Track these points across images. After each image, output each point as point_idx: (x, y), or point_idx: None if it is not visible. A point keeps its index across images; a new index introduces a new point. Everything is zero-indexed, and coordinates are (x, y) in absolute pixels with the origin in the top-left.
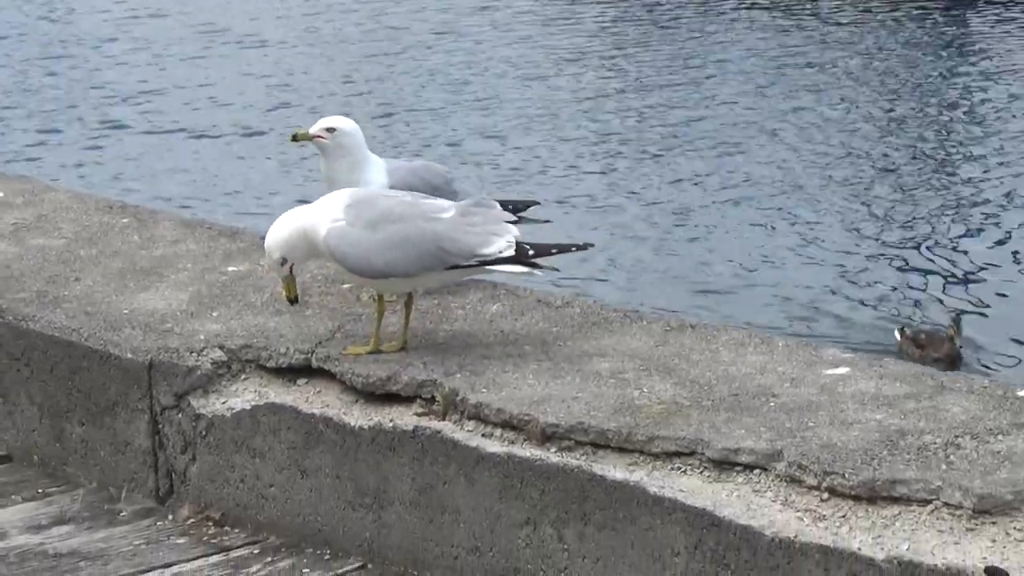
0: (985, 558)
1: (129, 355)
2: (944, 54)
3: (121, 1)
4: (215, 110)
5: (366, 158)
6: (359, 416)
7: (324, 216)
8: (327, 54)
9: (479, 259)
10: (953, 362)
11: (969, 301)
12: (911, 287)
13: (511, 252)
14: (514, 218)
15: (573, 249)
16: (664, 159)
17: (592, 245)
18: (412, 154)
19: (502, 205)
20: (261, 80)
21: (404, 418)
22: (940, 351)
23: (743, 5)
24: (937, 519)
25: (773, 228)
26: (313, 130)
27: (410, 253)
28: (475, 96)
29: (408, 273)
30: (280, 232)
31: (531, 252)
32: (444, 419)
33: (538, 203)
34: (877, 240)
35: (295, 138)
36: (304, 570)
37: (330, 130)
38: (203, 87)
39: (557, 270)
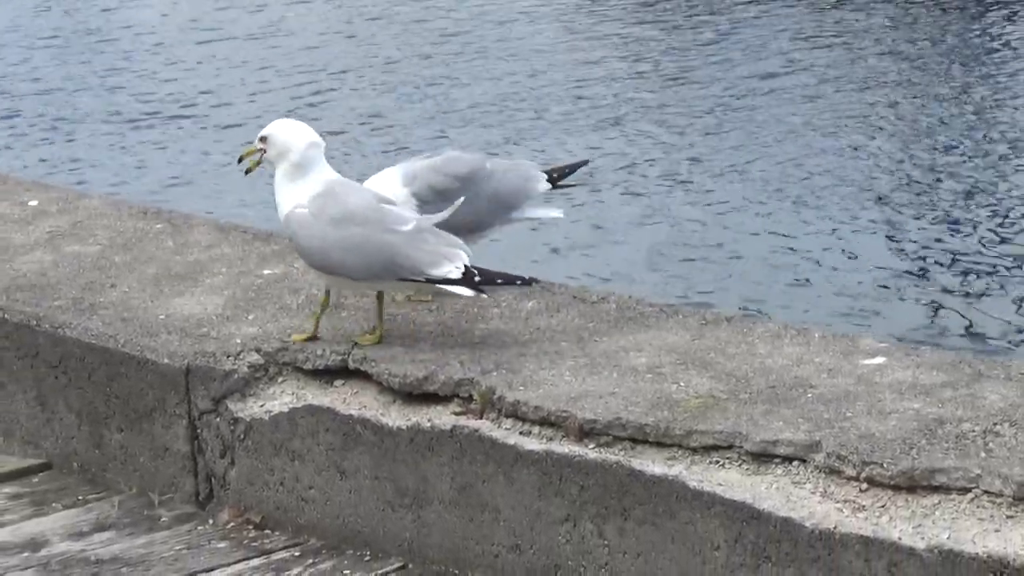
0: None
1: (166, 360)
2: (1002, 45)
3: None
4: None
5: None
6: (397, 416)
7: (291, 199)
8: (358, 47)
9: (427, 278)
10: None
11: (1007, 290)
12: (942, 274)
13: (458, 275)
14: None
15: (518, 283)
16: (696, 151)
17: (537, 281)
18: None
19: (547, 174)
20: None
21: (442, 417)
22: None
23: None
24: (977, 507)
25: (807, 220)
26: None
27: (364, 259)
28: (503, 80)
29: (358, 276)
30: (285, 131)
31: (477, 278)
32: (482, 418)
33: (587, 161)
34: (914, 231)
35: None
36: (345, 571)
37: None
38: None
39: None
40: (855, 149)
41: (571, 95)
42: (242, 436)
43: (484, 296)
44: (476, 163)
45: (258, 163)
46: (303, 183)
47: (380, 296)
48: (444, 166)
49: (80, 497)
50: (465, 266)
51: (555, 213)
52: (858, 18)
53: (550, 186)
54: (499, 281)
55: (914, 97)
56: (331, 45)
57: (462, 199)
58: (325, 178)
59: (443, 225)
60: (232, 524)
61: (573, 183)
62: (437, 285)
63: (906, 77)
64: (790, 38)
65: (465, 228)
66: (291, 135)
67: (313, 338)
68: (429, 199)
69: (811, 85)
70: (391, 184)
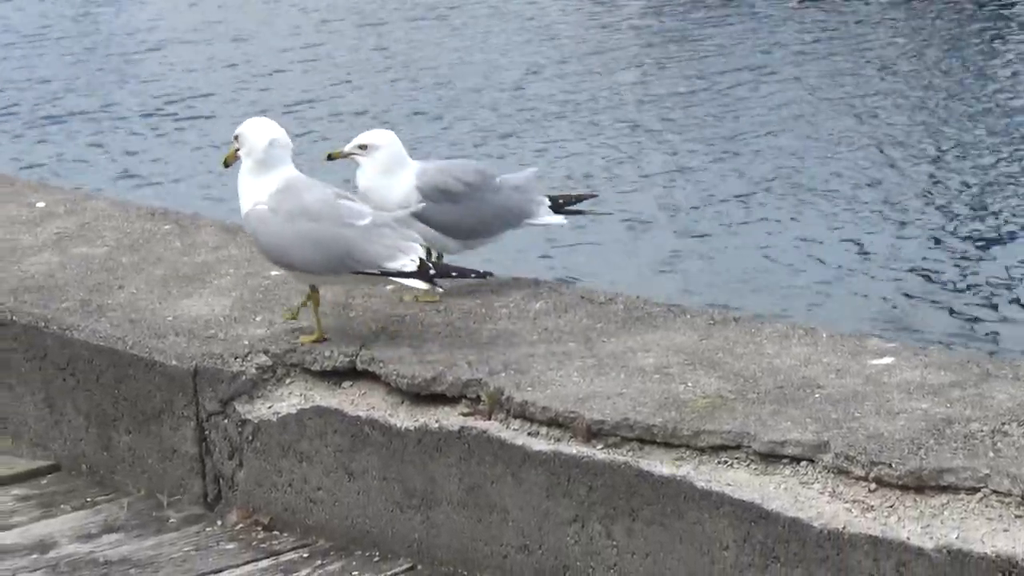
0: None
1: (174, 362)
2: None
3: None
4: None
5: (400, 165)
6: (405, 417)
7: (252, 195)
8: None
9: (382, 270)
10: None
11: (1016, 290)
12: (949, 273)
13: (413, 268)
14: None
15: (472, 276)
16: (700, 149)
17: (491, 274)
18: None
19: (553, 200)
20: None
21: (450, 418)
22: None
23: None
24: (986, 507)
25: (814, 220)
26: (348, 148)
27: (320, 253)
28: (512, 85)
29: (315, 271)
30: (253, 129)
31: (432, 272)
32: (490, 418)
33: (595, 195)
34: (921, 230)
35: (330, 157)
36: (354, 573)
37: (363, 147)
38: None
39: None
40: (861, 148)
41: (575, 93)
42: (250, 438)
43: (439, 289)
44: (486, 174)
45: (234, 156)
46: (265, 180)
47: (315, 295)
48: (454, 169)
49: (88, 499)
50: (420, 259)
51: (559, 221)
52: (871, 16)
53: (551, 213)
54: (453, 274)
55: (923, 95)
56: (334, 43)
57: (422, 204)
58: (286, 175)
59: (444, 227)
60: (241, 525)
61: (578, 210)
62: (392, 278)
63: (914, 74)
64: (798, 32)
65: (466, 233)
66: (257, 132)
67: (321, 339)
68: (433, 197)
69: (814, 81)
70: (407, 176)
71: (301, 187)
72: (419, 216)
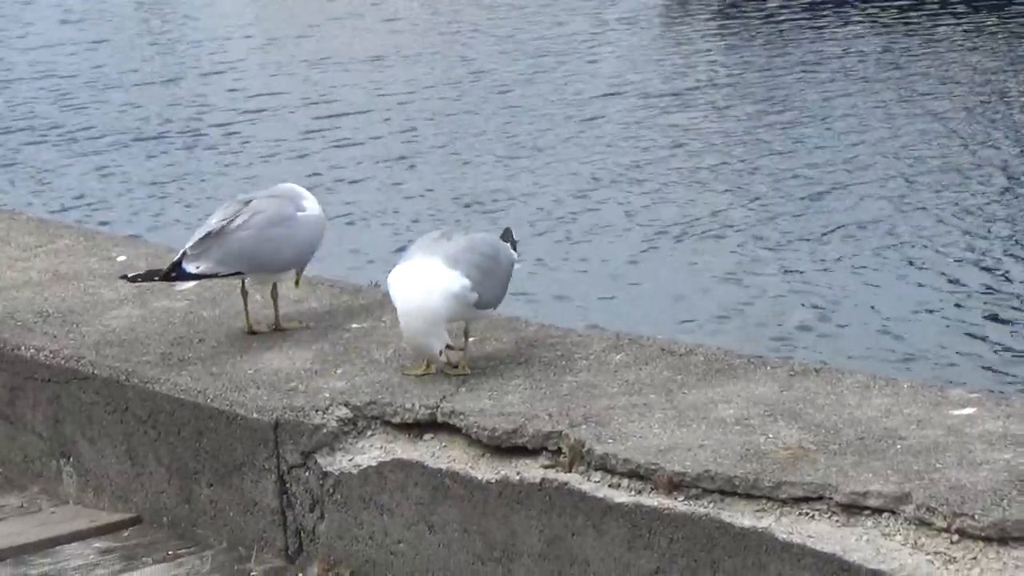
0: None
1: (255, 415)
2: None
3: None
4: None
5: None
6: (486, 470)
7: None
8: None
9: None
10: None
11: None
12: None
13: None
14: None
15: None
16: (774, 196)
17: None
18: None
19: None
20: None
21: (531, 470)
22: None
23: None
24: None
25: (892, 268)
26: (441, 358)
27: None
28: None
29: None
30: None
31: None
32: (571, 470)
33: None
34: (996, 272)
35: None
36: None
37: (449, 347)
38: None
39: None
40: (941, 193)
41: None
42: (331, 490)
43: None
44: (497, 242)
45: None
46: None
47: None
48: (479, 246)
49: (170, 552)
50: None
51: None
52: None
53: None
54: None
55: (1010, 134)
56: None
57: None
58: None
59: (486, 303)
60: None
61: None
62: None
63: (999, 111)
64: (855, 70)
65: (496, 302)
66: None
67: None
68: (476, 279)
69: (895, 134)
70: (436, 269)
71: None
72: (477, 304)
